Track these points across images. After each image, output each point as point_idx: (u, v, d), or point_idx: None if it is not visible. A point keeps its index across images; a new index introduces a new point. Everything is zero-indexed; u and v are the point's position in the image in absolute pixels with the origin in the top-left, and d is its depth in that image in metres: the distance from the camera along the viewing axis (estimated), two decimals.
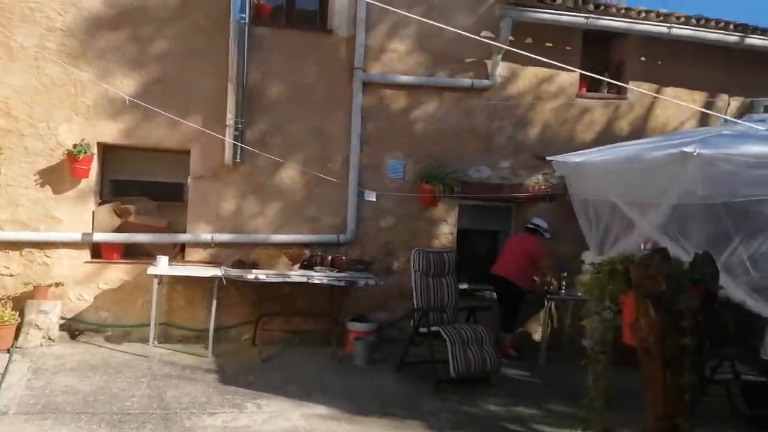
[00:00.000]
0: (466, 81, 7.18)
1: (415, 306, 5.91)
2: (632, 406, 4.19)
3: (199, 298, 6.56)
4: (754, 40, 7.42)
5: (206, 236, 6.64)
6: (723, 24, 7.39)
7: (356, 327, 6.49)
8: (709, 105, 7.80)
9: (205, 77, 6.61)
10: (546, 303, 6.78)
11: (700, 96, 7.77)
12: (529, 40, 7.32)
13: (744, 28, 7.41)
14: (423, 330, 5.75)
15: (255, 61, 6.70)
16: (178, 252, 6.72)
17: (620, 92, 7.63)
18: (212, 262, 6.58)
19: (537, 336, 7.44)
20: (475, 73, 7.25)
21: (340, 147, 7.00)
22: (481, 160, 7.33)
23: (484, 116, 7.31)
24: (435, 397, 5.37)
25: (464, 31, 7.14)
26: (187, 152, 6.66)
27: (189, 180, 6.64)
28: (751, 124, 4.68)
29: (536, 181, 7.46)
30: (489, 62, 7.22)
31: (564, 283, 6.94)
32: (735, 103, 7.83)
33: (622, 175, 4.27)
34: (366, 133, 7.04)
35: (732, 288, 3.90)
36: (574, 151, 7.36)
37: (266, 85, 6.81)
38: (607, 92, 7.65)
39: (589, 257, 5.72)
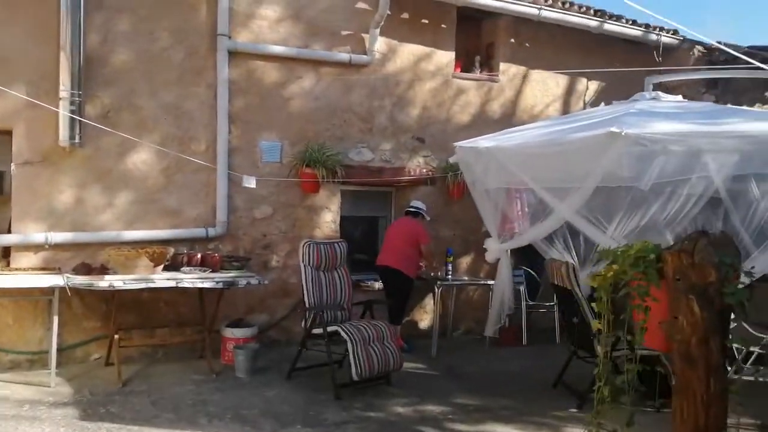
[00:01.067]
0: (343, 55, 6.60)
1: (307, 304, 5.26)
2: None
3: (31, 314, 5.29)
4: (610, 26, 7.75)
5: (38, 236, 5.34)
6: (585, 9, 7.62)
7: (234, 334, 5.68)
8: (570, 88, 8.05)
9: (31, 39, 5.28)
10: (436, 289, 6.50)
11: (563, 80, 7.97)
12: (405, 15, 6.94)
13: (602, 14, 7.71)
14: (317, 331, 5.13)
15: (95, 21, 5.51)
16: (0, 258, 5.34)
17: (491, 74, 7.57)
18: (48, 268, 5.32)
19: (423, 324, 7.17)
20: (353, 47, 6.69)
21: (204, 126, 6.05)
22: (362, 142, 6.82)
23: (364, 94, 6.79)
24: (337, 405, 4.79)
25: (339, 2, 6.69)
26: (8, 132, 5.29)
27: (12, 167, 5.28)
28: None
29: (417, 164, 7.13)
30: (366, 36, 6.71)
31: (450, 268, 6.71)
32: (593, 86, 8.15)
33: (540, 159, 4.03)
34: (235, 110, 6.17)
35: None
36: (453, 132, 7.20)
37: (110, 51, 5.64)
38: (480, 73, 7.54)
39: (491, 244, 5.48)
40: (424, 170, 7.12)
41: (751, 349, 4.57)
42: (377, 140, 6.88)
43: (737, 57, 8.03)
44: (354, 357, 4.83)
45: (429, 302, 7.24)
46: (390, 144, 6.96)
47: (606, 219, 4.21)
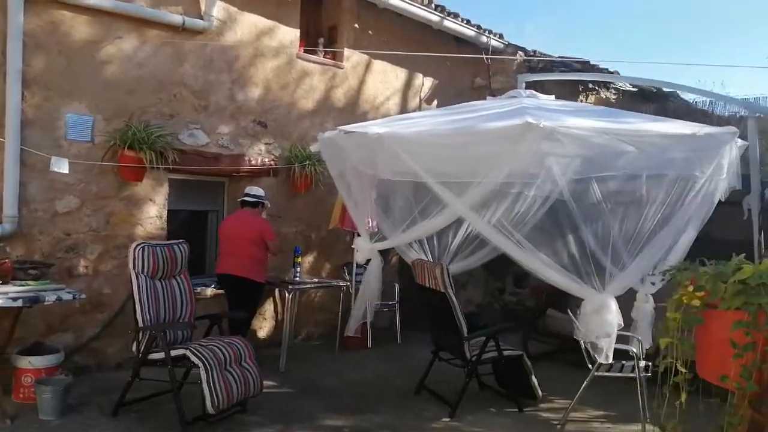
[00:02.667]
0: (175, 17, 5.49)
1: (141, 323, 4.19)
2: None
3: None
4: (450, 23, 7.72)
5: None
6: (427, 2, 7.48)
7: (33, 363, 4.35)
8: (409, 82, 7.88)
9: None
10: (287, 294, 5.77)
11: (402, 73, 7.76)
12: None
13: (443, 10, 7.65)
14: (157, 356, 4.11)
15: None
16: None
17: (336, 58, 7.04)
18: None
19: (262, 333, 6.39)
20: (186, 9, 5.62)
21: None
22: (196, 123, 5.78)
23: (199, 66, 5.76)
24: None
25: None
26: None
27: None
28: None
29: (258, 151, 6.30)
30: None
31: (298, 269, 6.05)
32: (428, 82, 8.08)
33: (443, 151, 3.62)
34: (31, 71, 4.75)
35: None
36: (297, 118, 6.54)
37: None
38: (324, 56, 6.97)
39: (362, 244, 4.94)
40: (266, 159, 6.32)
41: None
42: (214, 122, 5.90)
43: (552, 64, 8.66)
44: (209, 385, 3.94)
45: (268, 308, 6.48)
46: (229, 127, 6.02)
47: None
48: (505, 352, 4.92)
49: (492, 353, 4.84)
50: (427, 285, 4.90)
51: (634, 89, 9.95)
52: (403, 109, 7.78)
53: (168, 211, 5.70)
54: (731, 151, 3.48)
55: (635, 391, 4.78)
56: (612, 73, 8.91)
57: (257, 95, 6.24)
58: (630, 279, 3.63)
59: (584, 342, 4.01)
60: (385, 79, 7.54)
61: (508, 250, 3.80)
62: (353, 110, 7.16)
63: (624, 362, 4.77)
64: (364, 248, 4.88)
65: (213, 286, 5.85)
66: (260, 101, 6.26)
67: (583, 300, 3.81)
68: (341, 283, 6.38)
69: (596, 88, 9.68)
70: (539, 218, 4.16)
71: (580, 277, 3.78)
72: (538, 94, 4.64)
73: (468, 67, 8.46)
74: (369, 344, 6.73)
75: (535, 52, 8.68)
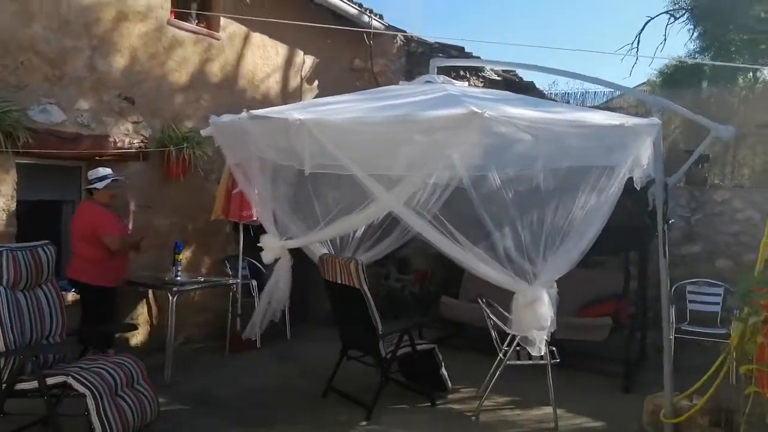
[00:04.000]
0: None
1: (1, 346, 3.34)
2: None
3: None
4: None
5: None
6: None
7: None
8: (290, 60, 7.35)
9: None
10: (170, 297, 5.04)
11: (282, 49, 7.20)
12: None
13: None
14: (27, 386, 3.32)
15: None
16: None
17: (211, 27, 6.31)
18: None
19: (135, 341, 5.58)
20: None
21: None
22: (50, 96, 4.79)
23: (52, 28, 4.76)
24: None
25: None
26: None
27: None
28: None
29: (125, 131, 5.42)
30: None
31: (179, 268, 5.34)
32: (309, 61, 7.62)
33: (370, 140, 3.25)
34: None
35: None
36: (169, 93, 5.79)
37: None
38: (198, 24, 6.21)
39: (270, 242, 4.40)
40: (135, 141, 5.47)
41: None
42: (71, 95, 4.95)
43: (431, 49, 8.62)
44: (100, 418, 3.25)
45: (141, 311, 5.69)
46: (89, 102, 5.09)
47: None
48: (419, 346, 4.76)
49: (406, 348, 4.65)
50: (339, 281, 4.55)
51: (498, 78, 10.31)
52: (285, 87, 7.25)
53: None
54: (649, 141, 3.57)
55: (532, 375, 4.89)
56: (477, 57, 9.13)
57: (122, 65, 5.35)
58: (559, 269, 3.60)
59: (516, 335, 3.95)
60: (264, 55, 6.93)
61: (442, 246, 3.58)
62: (231, 87, 6.49)
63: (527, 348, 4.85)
64: (272, 246, 4.37)
65: (73, 290, 4.95)
66: (126, 73, 5.38)
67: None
68: (230, 281, 5.77)
69: (467, 75, 9.86)
70: (464, 211, 3.99)
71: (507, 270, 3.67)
72: (454, 81, 4.46)
73: (348, 48, 8.12)
74: (258, 344, 6.21)
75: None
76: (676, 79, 15.43)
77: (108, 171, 4.72)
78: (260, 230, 6.42)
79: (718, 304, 6.15)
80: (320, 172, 3.80)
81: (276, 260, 4.60)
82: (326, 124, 3.25)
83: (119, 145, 5.31)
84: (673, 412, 4.11)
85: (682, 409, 4.21)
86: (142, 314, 5.68)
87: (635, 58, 11.05)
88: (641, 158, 3.61)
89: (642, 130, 3.49)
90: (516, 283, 3.57)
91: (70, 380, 3.29)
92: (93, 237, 4.60)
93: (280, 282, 4.48)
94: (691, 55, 15.73)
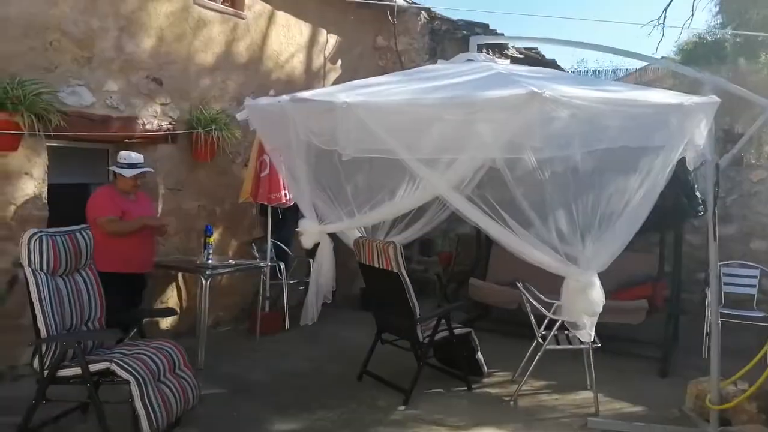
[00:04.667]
0: None
1: (44, 332, 3.29)
2: None
3: None
4: None
5: None
6: None
7: None
8: (313, 39, 7.21)
9: None
10: (203, 281, 4.98)
11: (306, 28, 7.06)
12: None
13: None
14: (70, 371, 3.28)
15: None
16: None
17: (236, 6, 6.18)
18: None
19: (165, 325, 5.55)
20: None
21: None
22: (79, 77, 4.71)
23: (79, 8, 4.66)
24: None
25: None
26: None
27: None
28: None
29: (154, 113, 5.34)
30: None
31: (210, 251, 5.27)
32: (332, 40, 7.47)
33: (421, 123, 3.13)
34: None
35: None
36: (196, 74, 5.68)
37: None
38: (223, 2, 6.08)
39: (308, 226, 4.31)
40: (163, 123, 5.38)
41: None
42: (100, 77, 4.86)
43: (456, 26, 8.43)
44: (144, 404, 3.21)
45: (171, 295, 5.65)
46: (118, 84, 5.00)
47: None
48: (456, 331, 4.69)
49: (443, 333, 4.58)
50: (376, 265, 4.47)
51: (520, 56, 10.10)
52: (308, 67, 7.13)
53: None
54: (706, 120, 3.44)
55: (567, 360, 4.81)
56: (500, 35, 8.93)
57: (149, 46, 5.25)
58: (612, 253, 3.50)
59: (565, 321, 3.86)
60: (288, 34, 6.80)
61: (493, 231, 3.48)
62: (257, 67, 6.39)
63: (568, 333, 4.77)
64: (311, 231, 4.29)
65: None
66: (153, 54, 5.28)
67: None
68: (261, 264, 5.72)
69: (489, 53, 9.66)
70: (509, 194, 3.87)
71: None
72: (496, 59, 4.33)
73: (370, 27, 7.98)
74: (287, 326, 6.18)
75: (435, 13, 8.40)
76: (698, 55, 15.10)
77: (140, 159, 4.63)
78: (289, 213, 6.39)
79: (754, 286, 6.03)
80: (358, 157, 3.69)
81: (316, 245, 4.50)
82: (374, 106, 3.14)
83: (148, 127, 5.23)
84: (719, 398, 4.04)
85: (728, 395, 4.14)
86: (171, 297, 5.65)
87: (662, 34, 10.77)
88: (696, 138, 3.47)
89: (701, 109, 3.35)
90: (568, 268, 3.47)
91: (114, 367, 3.24)
92: (94, 221, 4.50)
93: (324, 266, 4.41)
94: (712, 31, 15.37)
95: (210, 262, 5.19)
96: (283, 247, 6.61)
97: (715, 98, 3.42)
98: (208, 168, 5.83)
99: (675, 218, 5.55)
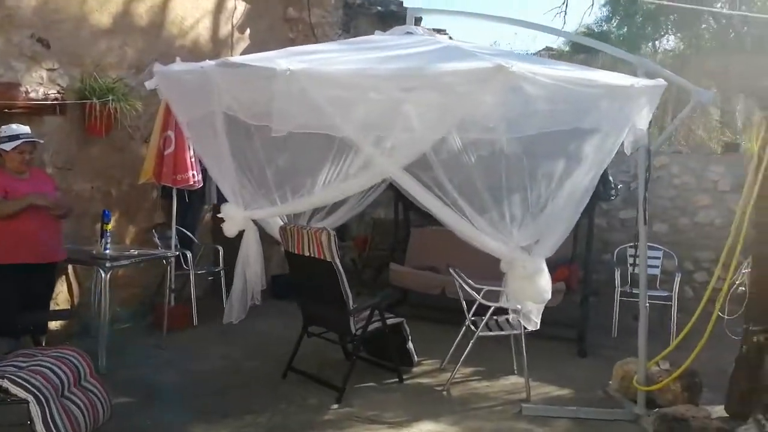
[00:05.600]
0: None
1: None
2: None
3: None
4: None
5: None
6: None
7: None
8: (221, 6, 6.61)
9: None
10: (103, 274, 4.37)
11: None
12: None
13: None
14: None
15: None
16: None
17: None
18: None
19: (54, 324, 4.85)
20: None
21: None
22: None
23: None
24: None
25: None
26: None
27: None
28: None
29: (39, 80, 4.60)
30: None
31: (108, 240, 4.65)
32: (240, 7, 6.91)
33: (370, 96, 2.81)
34: None
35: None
36: (90, 36, 5.03)
37: None
38: None
39: (232, 211, 3.85)
40: (51, 92, 4.66)
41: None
42: None
43: (369, 3, 8.15)
44: (47, 426, 2.70)
45: (60, 290, 4.96)
46: None
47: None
48: (388, 321, 4.48)
49: (376, 323, 4.35)
50: (306, 253, 4.13)
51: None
52: (215, 35, 6.55)
53: None
54: (651, 105, 3.44)
55: (493, 344, 4.74)
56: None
57: (34, 1, 4.49)
58: (558, 238, 3.43)
59: (510, 308, 3.76)
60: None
61: (444, 217, 3.28)
62: (158, 32, 5.75)
63: (497, 318, 4.72)
64: (235, 217, 3.83)
65: None
66: (39, 10, 4.54)
67: None
68: (168, 254, 5.15)
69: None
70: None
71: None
72: (435, 33, 4.10)
73: None
74: (195, 321, 5.68)
75: None
76: (587, 46, 15.91)
77: (24, 129, 3.95)
78: (194, 196, 5.85)
79: (657, 267, 6.34)
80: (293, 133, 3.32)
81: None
82: (322, 75, 2.79)
83: (32, 95, 4.49)
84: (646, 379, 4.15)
85: (652, 375, 4.27)
86: (61, 293, 4.96)
87: (563, 22, 11.13)
88: (638, 122, 3.46)
89: (648, 92, 3.33)
90: (516, 255, 3.35)
91: (7, 383, 2.70)
92: None
93: (251, 257, 3.98)
94: (599, 22, 16.20)
95: (108, 252, 4.58)
96: (188, 234, 6.06)
97: (662, 81, 3.42)
98: (103, 144, 5.16)
99: (590, 202, 5.69)
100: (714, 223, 6.58)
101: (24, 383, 2.71)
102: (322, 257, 4.04)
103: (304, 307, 4.52)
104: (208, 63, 3.21)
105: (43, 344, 3.41)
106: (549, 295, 3.39)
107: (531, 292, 3.38)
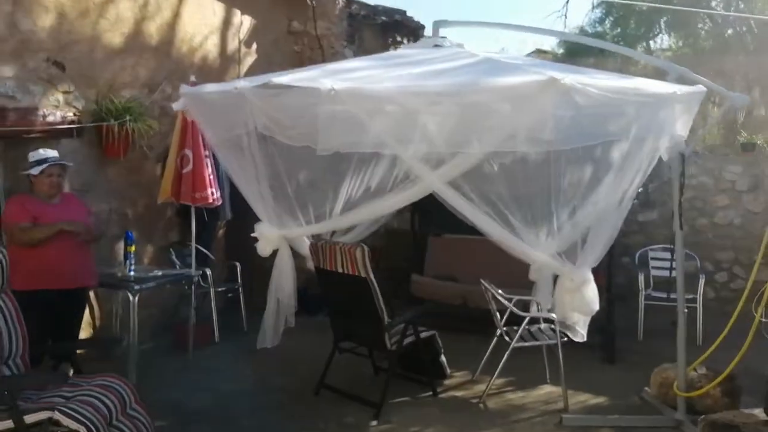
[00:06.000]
0: None
1: None
2: None
3: None
4: None
5: None
6: None
7: None
8: (227, 21, 6.56)
9: None
10: (131, 297, 4.29)
11: (219, 9, 6.40)
12: None
13: None
14: None
15: None
16: None
17: None
18: None
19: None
20: None
21: None
22: None
23: None
24: None
25: None
26: None
27: None
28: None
29: (56, 103, 4.52)
30: None
31: (132, 261, 4.57)
32: (247, 22, 6.85)
33: (418, 113, 2.76)
34: None
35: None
36: (103, 58, 4.95)
37: None
38: None
39: (266, 230, 3.77)
40: (68, 114, 4.58)
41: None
42: None
43: (375, 12, 8.14)
44: None
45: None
46: (13, 69, 4.16)
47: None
48: (421, 334, 4.42)
49: (410, 338, 4.29)
50: (339, 270, 4.07)
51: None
52: (223, 51, 6.49)
53: None
54: (691, 111, 3.42)
55: (522, 354, 4.68)
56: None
57: (48, 24, 4.42)
58: (603, 248, 3.39)
59: (557, 321, 3.71)
60: (202, 15, 6.12)
61: (496, 234, 3.22)
62: (169, 50, 5.68)
63: (529, 328, 4.66)
64: (269, 236, 3.76)
65: None
66: (53, 33, 4.46)
67: None
68: (192, 272, 5.07)
69: (403, 41, 9.46)
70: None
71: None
72: (464, 45, 4.06)
73: (283, 10, 7.44)
74: (217, 339, 5.59)
75: None
76: (580, 47, 15.94)
77: (51, 153, 3.88)
78: (212, 214, 5.77)
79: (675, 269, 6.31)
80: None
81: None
82: (366, 94, 2.74)
83: (50, 119, 4.40)
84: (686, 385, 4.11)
85: (691, 381, 4.23)
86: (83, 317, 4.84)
87: (564, 26, 11.19)
88: (679, 128, 3.44)
89: (690, 98, 3.31)
90: (564, 267, 3.30)
91: (58, 415, 2.61)
92: (9, 233, 3.77)
93: (284, 279, 3.90)
94: (592, 24, 16.26)
95: (133, 273, 4.50)
96: (205, 251, 5.97)
97: (702, 88, 3.40)
98: (119, 165, 5.08)
99: None
100: (733, 224, 6.59)
101: (75, 414, 2.63)
102: (356, 274, 3.98)
103: (336, 323, 4.45)
104: (243, 84, 3.15)
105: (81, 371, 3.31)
106: (597, 306, 3.36)
107: (579, 304, 3.33)
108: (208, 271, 5.63)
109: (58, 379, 2.87)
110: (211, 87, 3.54)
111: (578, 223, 3.31)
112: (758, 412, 3.93)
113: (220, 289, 5.80)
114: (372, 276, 3.98)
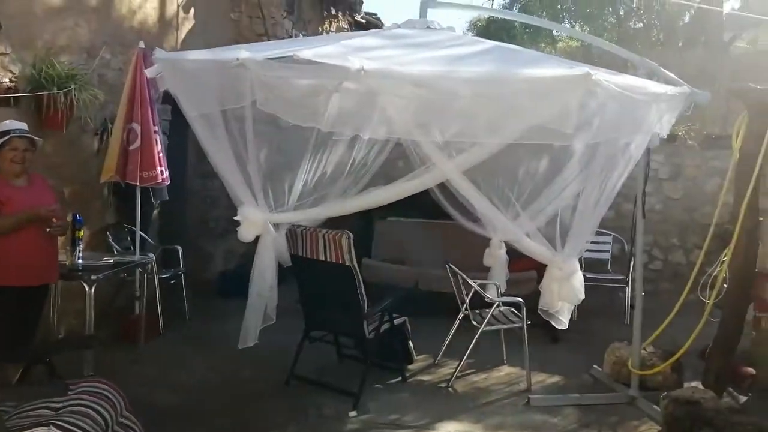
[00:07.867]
0: None
1: None
2: None
3: None
4: None
5: None
6: None
7: None
8: None
9: None
10: (86, 287, 3.89)
11: None
12: None
13: None
14: None
15: None
16: None
17: None
18: None
19: None
20: None
21: None
22: None
23: None
24: None
25: None
26: None
27: None
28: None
29: None
30: None
31: (80, 248, 4.15)
32: None
33: (447, 100, 2.66)
34: None
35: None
36: (44, 16, 4.46)
37: None
38: None
39: (251, 214, 3.50)
40: (4, 80, 4.02)
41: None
42: None
43: None
44: None
45: None
46: None
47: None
48: (395, 321, 4.41)
49: (386, 324, 4.27)
50: (321, 258, 3.93)
51: (363, 21, 9.89)
52: (162, 15, 5.99)
53: None
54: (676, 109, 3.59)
55: (472, 337, 4.76)
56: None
57: None
58: (587, 237, 3.53)
59: (540, 310, 3.81)
60: None
61: (495, 220, 3.24)
62: (108, 12, 5.18)
63: (487, 310, 4.76)
64: (255, 220, 3.51)
65: None
66: None
67: None
68: (147, 259, 4.69)
69: (338, 14, 9.24)
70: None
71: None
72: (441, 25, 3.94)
73: None
74: (161, 329, 5.25)
75: None
76: (489, 32, 16.36)
77: (18, 125, 3.40)
78: (160, 194, 5.37)
79: (607, 251, 6.75)
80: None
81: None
82: (396, 76, 2.62)
83: None
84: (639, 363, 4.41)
85: (643, 359, 4.53)
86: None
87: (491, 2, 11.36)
88: (664, 126, 3.61)
89: (680, 98, 3.48)
90: (554, 257, 3.40)
91: (54, 431, 2.32)
92: None
93: (267, 271, 3.67)
94: (500, 8, 16.70)
95: (81, 261, 4.09)
96: (143, 235, 5.54)
97: (687, 89, 3.57)
98: (57, 139, 4.56)
99: None
100: (654, 209, 7.10)
101: (73, 429, 2.36)
102: (340, 261, 3.86)
103: (310, 311, 4.31)
104: (244, 54, 2.87)
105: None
106: (583, 295, 3.50)
107: (566, 293, 3.46)
108: (152, 256, 5.24)
109: (59, 391, 2.54)
110: (196, 54, 3.22)
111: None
112: (696, 383, 4.32)
113: (164, 275, 5.42)
114: (355, 264, 3.89)
